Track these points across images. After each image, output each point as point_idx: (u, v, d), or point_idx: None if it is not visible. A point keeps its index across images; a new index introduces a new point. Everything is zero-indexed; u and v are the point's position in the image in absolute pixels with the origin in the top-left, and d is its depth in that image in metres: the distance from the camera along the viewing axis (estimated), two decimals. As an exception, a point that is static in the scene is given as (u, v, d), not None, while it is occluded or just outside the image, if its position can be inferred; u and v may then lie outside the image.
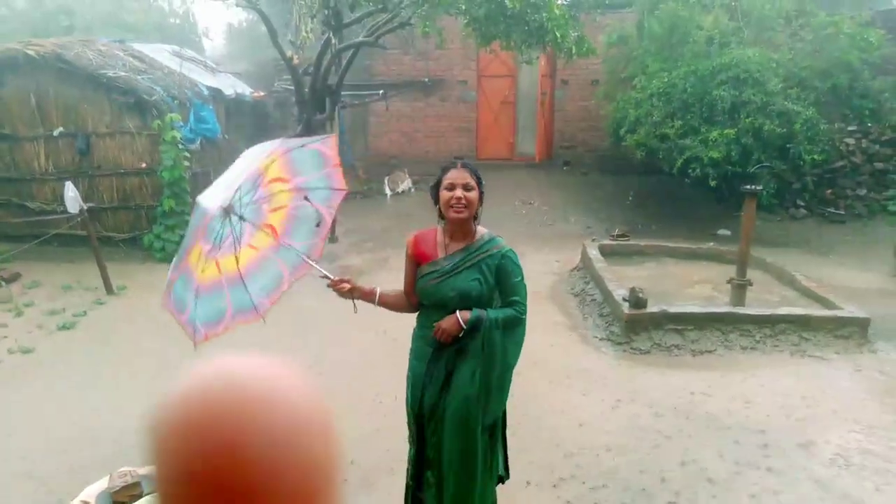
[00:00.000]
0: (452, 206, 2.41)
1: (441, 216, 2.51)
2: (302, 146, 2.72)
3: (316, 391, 0.53)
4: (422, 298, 2.55)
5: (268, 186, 2.60)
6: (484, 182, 2.51)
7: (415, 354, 2.62)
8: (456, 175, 2.44)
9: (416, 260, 2.55)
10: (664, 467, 3.53)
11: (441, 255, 2.50)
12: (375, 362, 5.03)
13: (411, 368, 2.63)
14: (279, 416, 0.48)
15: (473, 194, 2.42)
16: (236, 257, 2.62)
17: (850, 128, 10.26)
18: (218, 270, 2.58)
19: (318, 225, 2.77)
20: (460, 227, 2.49)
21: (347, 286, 2.55)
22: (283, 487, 0.46)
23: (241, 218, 2.56)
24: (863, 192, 10.24)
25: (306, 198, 2.71)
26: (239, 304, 2.62)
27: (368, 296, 2.61)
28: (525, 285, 2.54)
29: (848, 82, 9.43)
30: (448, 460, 2.53)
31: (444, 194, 2.43)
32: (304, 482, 0.48)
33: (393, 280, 7.60)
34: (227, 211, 2.48)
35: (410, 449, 2.69)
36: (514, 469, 3.45)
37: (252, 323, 2.65)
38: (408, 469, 2.71)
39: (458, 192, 2.39)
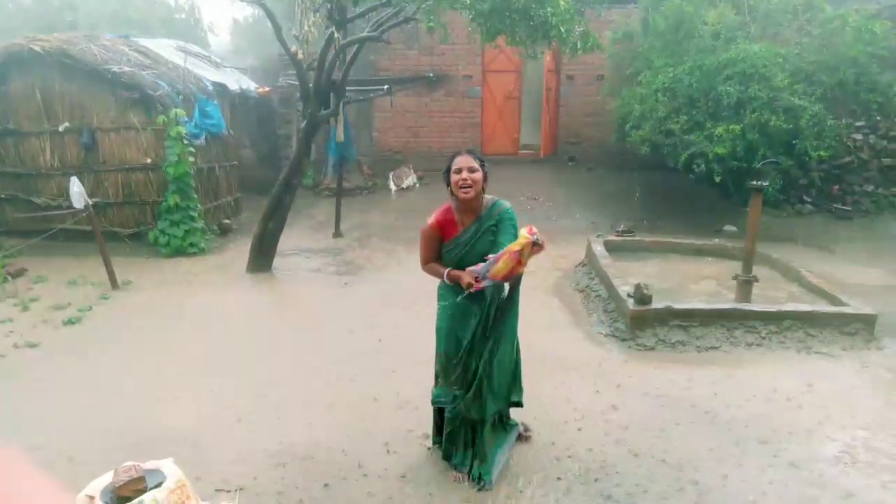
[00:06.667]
0: (461, 188, 3.01)
1: (453, 195, 3.11)
2: None
3: None
4: (452, 266, 3.15)
5: None
6: (487, 164, 3.14)
7: (454, 301, 3.18)
8: (461, 160, 3.06)
9: (442, 236, 3.16)
10: (665, 463, 3.51)
11: (460, 229, 3.14)
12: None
13: (453, 309, 3.18)
14: None
15: (477, 175, 3.04)
16: None
17: (857, 123, 10.18)
18: None
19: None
20: (469, 203, 3.09)
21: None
22: None
23: None
24: (870, 187, 10.17)
25: None
26: None
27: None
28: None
29: (855, 77, 9.33)
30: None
31: (454, 177, 3.05)
32: None
33: (397, 273, 7.66)
34: None
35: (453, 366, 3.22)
36: (516, 465, 3.45)
37: None
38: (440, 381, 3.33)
39: (465, 174, 3.00)
